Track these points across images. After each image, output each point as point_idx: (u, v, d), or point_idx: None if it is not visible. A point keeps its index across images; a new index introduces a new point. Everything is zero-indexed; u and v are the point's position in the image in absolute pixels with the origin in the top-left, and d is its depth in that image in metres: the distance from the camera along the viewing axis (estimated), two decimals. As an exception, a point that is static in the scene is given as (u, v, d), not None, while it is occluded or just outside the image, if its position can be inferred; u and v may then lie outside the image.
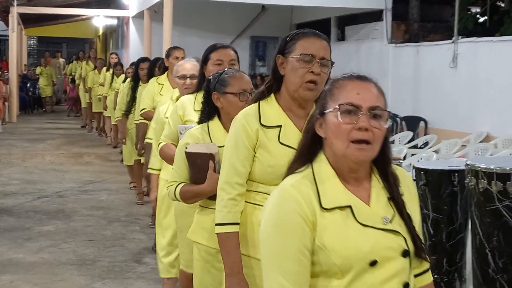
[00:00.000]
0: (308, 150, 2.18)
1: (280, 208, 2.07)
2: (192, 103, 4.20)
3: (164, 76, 6.85)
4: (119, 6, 21.21)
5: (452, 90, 11.79)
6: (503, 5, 14.37)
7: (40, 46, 41.00)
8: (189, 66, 5.00)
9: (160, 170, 5.03)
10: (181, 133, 4.01)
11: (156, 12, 16.70)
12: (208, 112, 3.55)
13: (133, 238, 7.44)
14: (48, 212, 8.63)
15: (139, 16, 18.34)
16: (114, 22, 24.94)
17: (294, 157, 2.22)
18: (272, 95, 3.03)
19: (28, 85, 23.80)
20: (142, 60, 8.71)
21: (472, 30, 13.05)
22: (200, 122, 3.58)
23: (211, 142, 3.45)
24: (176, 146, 4.07)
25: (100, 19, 24.89)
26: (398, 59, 13.91)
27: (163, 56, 6.91)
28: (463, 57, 11.59)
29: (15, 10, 20.03)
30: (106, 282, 6.03)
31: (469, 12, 14.06)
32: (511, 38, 10.84)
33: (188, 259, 4.05)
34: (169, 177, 3.61)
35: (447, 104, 11.95)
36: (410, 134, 11.08)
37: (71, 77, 21.63)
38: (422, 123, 12.41)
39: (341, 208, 2.07)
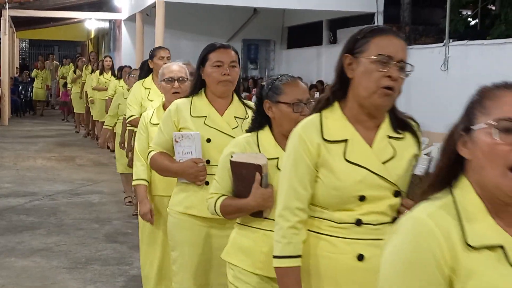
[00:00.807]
0: (448, 173, 1.77)
1: (415, 245, 1.66)
2: (188, 108, 3.77)
3: (149, 79, 6.45)
4: (111, 9, 21.20)
5: (443, 93, 11.84)
6: (494, 8, 14.43)
7: (32, 49, 40.97)
8: (176, 68, 4.65)
9: (147, 181, 4.60)
10: (177, 141, 3.74)
11: (148, 15, 16.71)
12: (259, 121, 3.18)
13: (125, 241, 7.43)
14: (40, 215, 8.62)
15: (131, 19, 18.35)
16: (106, 25, 24.94)
17: (429, 180, 1.82)
18: (336, 103, 2.57)
19: (20, 88, 23.73)
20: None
21: (463, 33, 13.10)
22: (249, 131, 3.21)
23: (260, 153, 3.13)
24: (169, 156, 3.86)
25: (92, 22, 24.91)
26: (390, 62, 13.93)
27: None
28: (454, 60, 11.64)
29: (7, 13, 19.99)
30: (98, 286, 6.02)
31: (460, 15, 14.11)
32: (502, 41, 10.89)
33: (187, 286, 3.81)
34: (211, 189, 3.25)
35: (439, 107, 11.98)
36: (401, 136, 11.09)
37: (64, 80, 21.35)
38: (413, 126, 12.42)
39: (491, 248, 1.65)
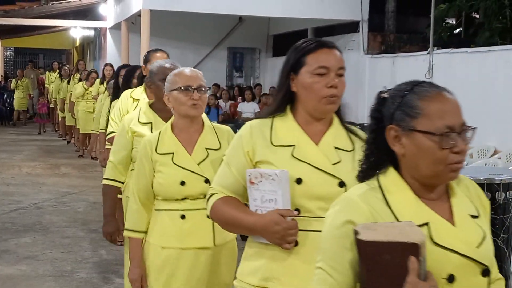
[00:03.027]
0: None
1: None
2: (268, 134, 2.58)
3: (141, 89, 5.15)
4: (96, 17, 21.19)
5: (428, 100, 11.91)
6: (477, 16, 14.55)
7: (16, 57, 40.80)
8: (193, 73, 3.41)
9: (144, 232, 3.41)
10: (253, 183, 2.53)
11: (133, 23, 16.72)
12: (377, 160, 1.99)
13: (111, 250, 7.41)
14: (25, 223, 8.59)
15: (117, 27, 18.34)
16: (91, 33, 24.90)
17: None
18: None
19: (5, 96, 23.56)
20: (124, 67, 7.48)
21: (447, 41, 13.20)
22: (363, 177, 2.01)
23: (396, 219, 1.87)
24: (241, 203, 2.63)
25: (77, 30, 24.85)
26: (375, 70, 14.02)
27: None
28: (438, 68, 11.71)
29: (-9, 21, 19.96)
30: (84, 294, 6.02)
31: (444, 24, 14.21)
32: (486, 49, 10.98)
33: None
34: (315, 281, 1.92)
35: (423, 115, 12.05)
36: (386, 144, 11.14)
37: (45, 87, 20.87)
38: (398, 134, 12.48)
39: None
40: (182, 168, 3.28)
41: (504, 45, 11.13)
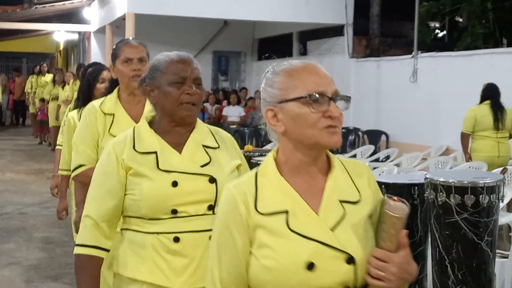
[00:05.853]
0: None
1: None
2: None
3: (114, 96, 3.60)
4: (80, 21, 21.10)
5: (412, 104, 11.95)
6: (461, 20, 14.63)
7: (-1, 61, 40.60)
8: (317, 68, 1.98)
9: None
10: None
11: (118, 27, 16.66)
12: None
13: (95, 254, 7.38)
14: (9, 229, 8.53)
15: (101, 31, 18.29)
16: (76, 36, 24.81)
17: None
18: None
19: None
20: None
21: (431, 45, 13.27)
22: None
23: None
24: None
25: (61, 34, 24.73)
26: (360, 74, 14.05)
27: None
28: (423, 71, 11.76)
29: (-26, 25, 19.84)
30: (68, 299, 5.98)
31: (428, 27, 14.28)
32: (470, 52, 11.03)
33: None
34: None
35: (408, 118, 12.09)
36: (371, 147, 11.19)
37: (33, 92, 20.40)
38: (383, 137, 12.55)
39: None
40: (307, 238, 1.82)
41: (488, 49, 11.19)
